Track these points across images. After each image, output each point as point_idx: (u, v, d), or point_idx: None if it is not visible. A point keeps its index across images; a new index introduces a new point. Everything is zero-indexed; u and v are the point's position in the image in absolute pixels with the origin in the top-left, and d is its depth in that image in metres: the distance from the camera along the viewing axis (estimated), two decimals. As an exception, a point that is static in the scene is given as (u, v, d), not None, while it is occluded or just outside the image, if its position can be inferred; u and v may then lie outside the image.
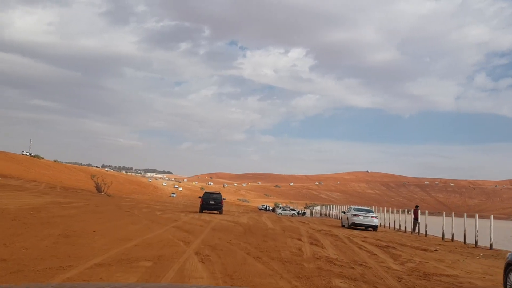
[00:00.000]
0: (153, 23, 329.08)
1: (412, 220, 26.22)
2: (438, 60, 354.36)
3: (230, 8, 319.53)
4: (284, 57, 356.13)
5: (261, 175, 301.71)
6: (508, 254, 7.39)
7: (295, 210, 69.55)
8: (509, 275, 7.05)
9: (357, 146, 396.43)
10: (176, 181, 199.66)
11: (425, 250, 14.65)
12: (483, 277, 9.47)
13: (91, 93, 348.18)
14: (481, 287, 8.41)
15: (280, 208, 76.20)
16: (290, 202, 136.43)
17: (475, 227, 18.14)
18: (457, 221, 21.12)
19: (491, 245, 16.88)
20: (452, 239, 20.20)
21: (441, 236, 21.38)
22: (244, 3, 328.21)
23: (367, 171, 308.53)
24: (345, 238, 16.52)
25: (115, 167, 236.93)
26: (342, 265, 9.32)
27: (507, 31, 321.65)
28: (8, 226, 10.70)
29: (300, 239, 14.27)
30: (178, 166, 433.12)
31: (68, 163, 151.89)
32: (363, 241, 15.98)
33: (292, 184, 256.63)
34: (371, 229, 24.09)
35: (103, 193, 56.12)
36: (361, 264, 9.74)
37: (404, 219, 27.88)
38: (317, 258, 10.10)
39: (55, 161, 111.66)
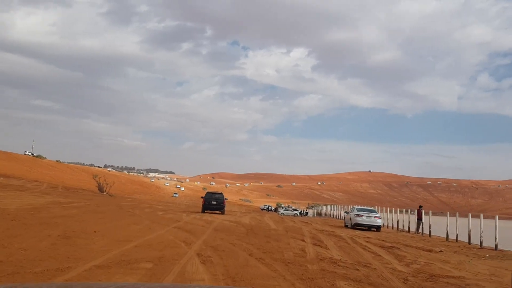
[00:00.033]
0: (155, 23, 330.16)
1: (416, 220, 26.06)
2: (440, 60, 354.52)
3: (232, 8, 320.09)
4: (286, 57, 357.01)
5: (263, 175, 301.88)
6: None
7: (297, 210, 69.39)
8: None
9: (360, 146, 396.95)
10: (178, 181, 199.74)
11: (430, 251, 14.47)
12: (490, 279, 9.29)
13: (93, 93, 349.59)
14: (489, 289, 8.23)
15: (282, 208, 76.06)
16: (292, 202, 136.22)
17: (480, 228, 17.94)
18: (460, 221, 20.95)
19: (496, 245, 16.69)
20: (457, 240, 20.03)
21: (445, 236, 21.18)
22: (246, 3, 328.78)
23: (370, 171, 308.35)
24: (349, 238, 16.35)
25: (117, 167, 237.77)
26: (346, 267, 9.16)
27: (509, 31, 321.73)
28: (7, 227, 10.59)
29: (303, 240, 14.11)
30: (180, 166, 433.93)
31: (71, 163, 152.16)
32: (367, 241, 15.81)
33: (294, 184, 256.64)
34: (374, 229, 23.88)
35: (105, 193, 56.08)
36: (365, 266, 9.57)
37: (407, 219, 27.66)
38: (321, 259, 9.94)
39: (57, 161, 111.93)
